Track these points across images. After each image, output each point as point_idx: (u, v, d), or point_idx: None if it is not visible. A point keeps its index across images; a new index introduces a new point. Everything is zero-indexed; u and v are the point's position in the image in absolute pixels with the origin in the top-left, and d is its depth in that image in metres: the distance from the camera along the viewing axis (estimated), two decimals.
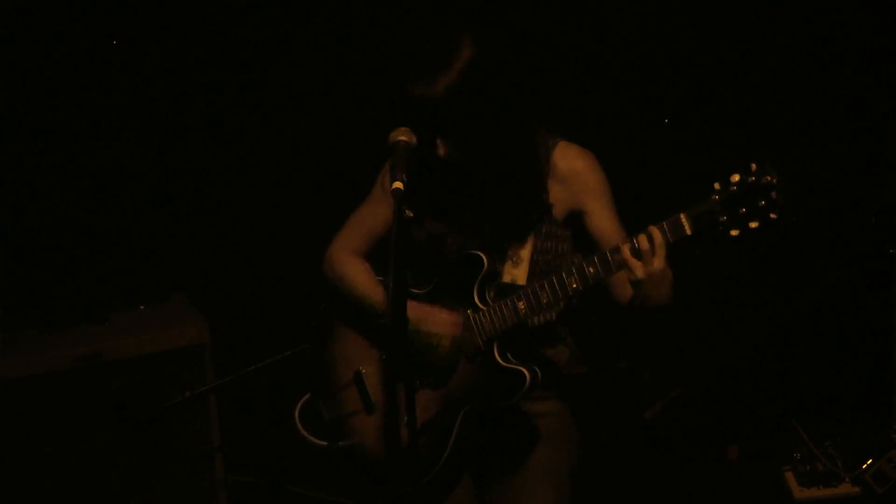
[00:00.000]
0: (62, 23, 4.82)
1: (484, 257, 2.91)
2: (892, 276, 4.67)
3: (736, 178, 2.62)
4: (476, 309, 2.91)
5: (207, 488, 4.34)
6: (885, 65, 5.03)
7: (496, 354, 2.90)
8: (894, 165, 4.81)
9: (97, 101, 4.93)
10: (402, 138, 2.72)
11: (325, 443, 3.10)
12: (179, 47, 5.02)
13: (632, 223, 2.88)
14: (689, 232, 2.65)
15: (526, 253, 2.96)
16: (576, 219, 2.99)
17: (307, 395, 3.15)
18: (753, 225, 2.61)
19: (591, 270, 2.76)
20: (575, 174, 2.94)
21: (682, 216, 2.66)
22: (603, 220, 2.95)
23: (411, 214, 2.65)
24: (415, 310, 2.90)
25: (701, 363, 5.08)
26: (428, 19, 4.83)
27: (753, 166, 2.61)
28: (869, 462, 4.60)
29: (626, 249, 2.69)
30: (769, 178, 2.59)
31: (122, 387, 4.14)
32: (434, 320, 2.92)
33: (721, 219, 2.63)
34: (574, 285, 2.79)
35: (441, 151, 2.81)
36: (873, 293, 4.82)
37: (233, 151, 5.19)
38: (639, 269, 2.68)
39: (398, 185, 2.59)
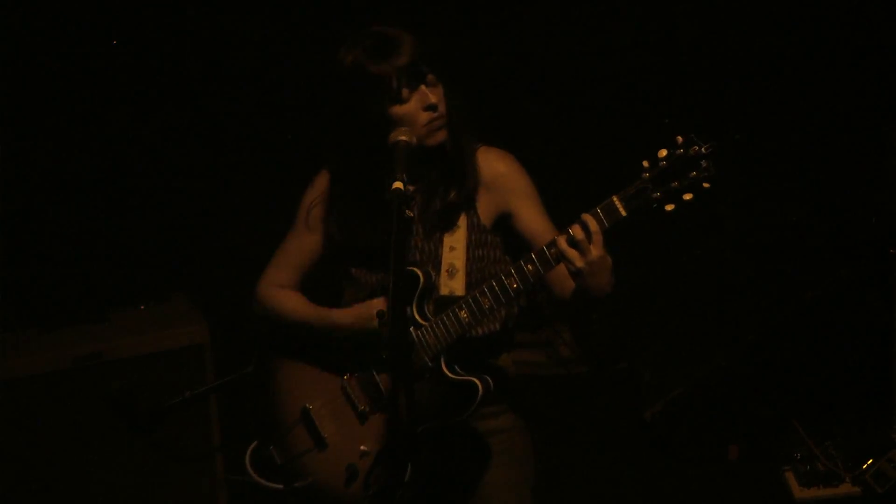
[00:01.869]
0: (62, 23, 4.82)
1: (419, 272, 2.85)
2: (892, 276, 4.66)
3: (664, 153, 2.58)
4: (418, 325, 2.85)
5: (207, 488, 4.34)
6: (885, 65, 5.04)
7: (444, 368, 2.84)
8: (894, 165, 4.81)
9: (98, 101, 4.93)
10: (402, 138, 2.73)
11: (282, 486, 3.06)
12: (180, 47, 5.03)
13: (566, 214, 2.82)
14: (624, 213, 2.60)
15: (460, 263, 2.91)
16: (504, 223, 2.95)
17: (254, 444, 3.11)
18: (688, 197, 2.57)
19: (530, 268, 2.71)
20: (498, 178, 2.91)
21: (614, 199, 2.61)
22: (532, 220, 2.91)
23: (411, 214, 2.64)
24: (345, 316, 2.94)
25: (701, 363, 5.08)
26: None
27: (680, 139, 2.57)
28: (869, 462, 4.60)
29: (562, 241, 2.64)
30: (697, 149, 2.55)
31: (122, 387, 4.14)
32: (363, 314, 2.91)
33: (654, 195, 2.58)
34: (515, 285, 2.73)
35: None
36: (873, 293, 4.82)
37: (233, 152, 5.19)
38: (577, 260, 2.62)
39: (398, 184, 2.58)
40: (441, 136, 2.82)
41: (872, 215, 4.94)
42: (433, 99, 2.78)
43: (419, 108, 2.78)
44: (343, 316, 2.98)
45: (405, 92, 2.77)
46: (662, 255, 5.34)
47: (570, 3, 5.29)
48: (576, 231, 2.62)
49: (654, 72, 5.31)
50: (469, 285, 2.90)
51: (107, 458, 4.16)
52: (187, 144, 5.12)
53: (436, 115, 2.79)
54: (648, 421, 5.05)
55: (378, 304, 2.89)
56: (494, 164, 2.91)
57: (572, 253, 2.63)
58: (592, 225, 2.61)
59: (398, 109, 2.79)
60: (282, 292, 3.11)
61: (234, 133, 5.17)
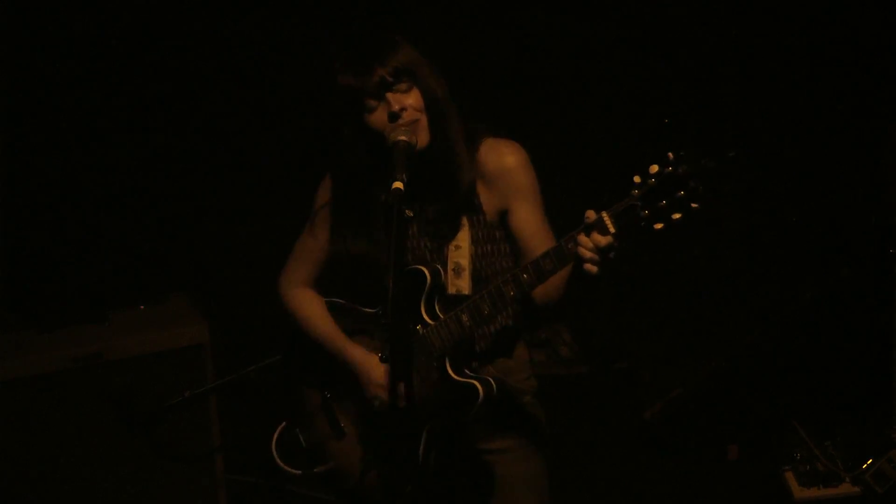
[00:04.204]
0: (63, 23, 4.82)
1: (426, 271, 2.84)
2: (892, 276, 4.66)
3: (654, 168, 2.50)
4: (425, 324, 2.84)
5: (207, 488, 4.34)
6: (885, 65, 5.04)
7: (449, 369, 2.83)
8: (894, 165, 4.81)
9: (97, 101, 4.93)
10: (402, 138, 2.72)
11: (300, 472, 3.09)
12: (179, 47, 5.03)
13: (557, 224, 2.84)
14: (612, 231, 2.54)
15: (465, 262, 2.89)
16: (504, 218, 2.92)
17: (283, 424, 3.13)
18: (676, 217, 2.50)
19: (526, 277, 2.68)
20: (501, 172, 2.86)
21: (604, 215, 2.56)
22: (526, 220, 2.87)
23: (411, 214, 2.64)
24: (354, 356, 2.96)
25: (701, 363, 5.08)
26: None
27: (670, 155, 2.50)
28: (869, 462, 4.60)
29: (581, 237, 2.57)
30: (685, 167, 2.48)
31: (122, 387, 4.14)
32: (366, 381, 2.93)
33: (643, 213, 2.52)
34: (512, 293, 2.72)
35: (396, 107, 2.75)
36: (873, 293, 4.82)
37: (233, 151, 5.19)
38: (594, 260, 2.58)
39: (398, 185, 2.57)
40: (424, 138, 2.80)
41: (872, 215, 4.94)
42: (395, 107, 2.75)
43: (385, 117, 2.77)
44: (352, 354, 2.99)
45: (372, 102, 2.77)
46: (662, 254, 5.34)
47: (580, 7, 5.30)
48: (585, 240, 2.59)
49: (650, 73, 5.32)
50: (476, 282, 2.89)
51: (107, 458, 4.16)
52: (187, 144, 5.12)
53: (401, 121, 2.76)
54: (648, 421, 5.05)
55: (381, 374, 2.90)
56: (499, 158, 2.87)
57: (590, 249, 2.58)
58: (589, 243, 2.56)
59: (368, 118, 2.79)
60: (302, 294, 3.11)
61: (235, 133, 5.17)
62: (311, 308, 3.10)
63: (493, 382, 2.83)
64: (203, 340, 4.29)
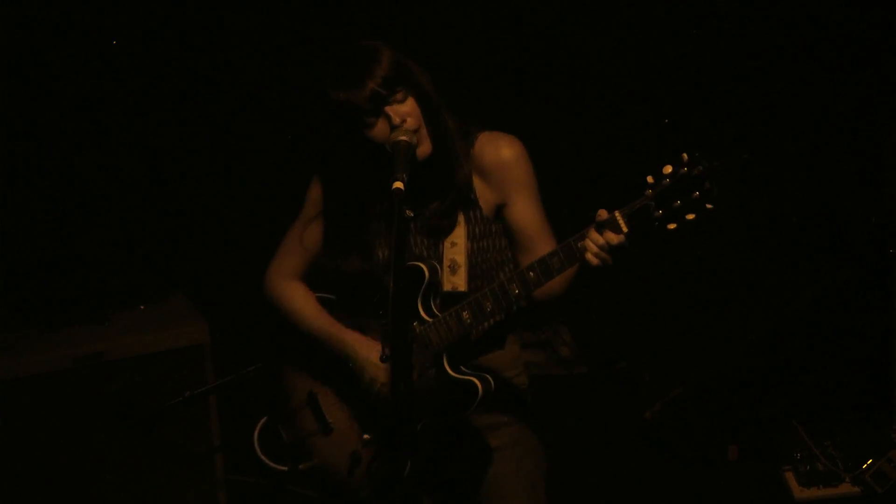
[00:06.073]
0: (62, 23, 4.82)
1: (424, 267, 2.82)
2: (892, 276, 4.67)
3: (668, 169, 2.54)
4: (422, 321, 2.83)
5: (207, 488, 4.34)
6: (885, 65, 5.04)
7: (447, 366, 2.83)
8: (894, 165, 4.82)
9: (97, 101, 4.93)
10: (403, 138, 2.72)
11: (286, 468, 3.07)
12: (179, 47, 5.03)
13: (564, 227, 2.83)
14: (625, 230, 2.57)
15: (462, 258, 2.88)
16: (501, 212, 2.91)
17: (264, 419, 3.12)
18: (690, 217, 2.53)
19: (532, 275, 2.69)
20: (498, 166, 2.85)
21: (617, 214, 2.58)
22: (524, 213, 2.87)
23: (411, 214, 2.63)
24: (352, 345, 2.93)
25: (701, 363, 5.08)
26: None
27: (685, 157, 2.53)
28: (869, 462, 4.60)
29: (592, 232, 2.60)
30: (701, 168, 2.50)
31: (122, 387, 4.14)
32: (365, 362, 2.91)
33: (657, 213, 2.54)
34: (517, 291, 2.72)
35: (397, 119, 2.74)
36: (873, 293, 4.82)
37: (232, 151, 5.19)
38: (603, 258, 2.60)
39: (398, 185, 2.57)
40: (425, 146, 2.79)
41: (872, 215, 4.94)
42: (397, 120, 2.74)
43: (388, 131, 2.76)
44: (349, 339, 2.96)
45: (371, 120, 2.76)
46: (662, 254, 5.34)
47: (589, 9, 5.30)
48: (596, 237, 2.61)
49: (661, 75, 5.32)
50: (472, 279, 2.89)
51: (107, 458, 4.16)
52: (187, 144, 5.12)
53: (409, 130, 2.75)
54: (648, 421, 5.05)
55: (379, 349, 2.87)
56: (496, 151, 2.86)
57: (599, 246, 2.61)
58: (600, 240, 2.59)
59: (370, 133, 2.77)
60: (290, 287, 3.08)
61: (234, 133, 5.18)
62: (301, 300, 3.06)
63: (491, 379, 2.82)
64: (203, 340, 4.30)
